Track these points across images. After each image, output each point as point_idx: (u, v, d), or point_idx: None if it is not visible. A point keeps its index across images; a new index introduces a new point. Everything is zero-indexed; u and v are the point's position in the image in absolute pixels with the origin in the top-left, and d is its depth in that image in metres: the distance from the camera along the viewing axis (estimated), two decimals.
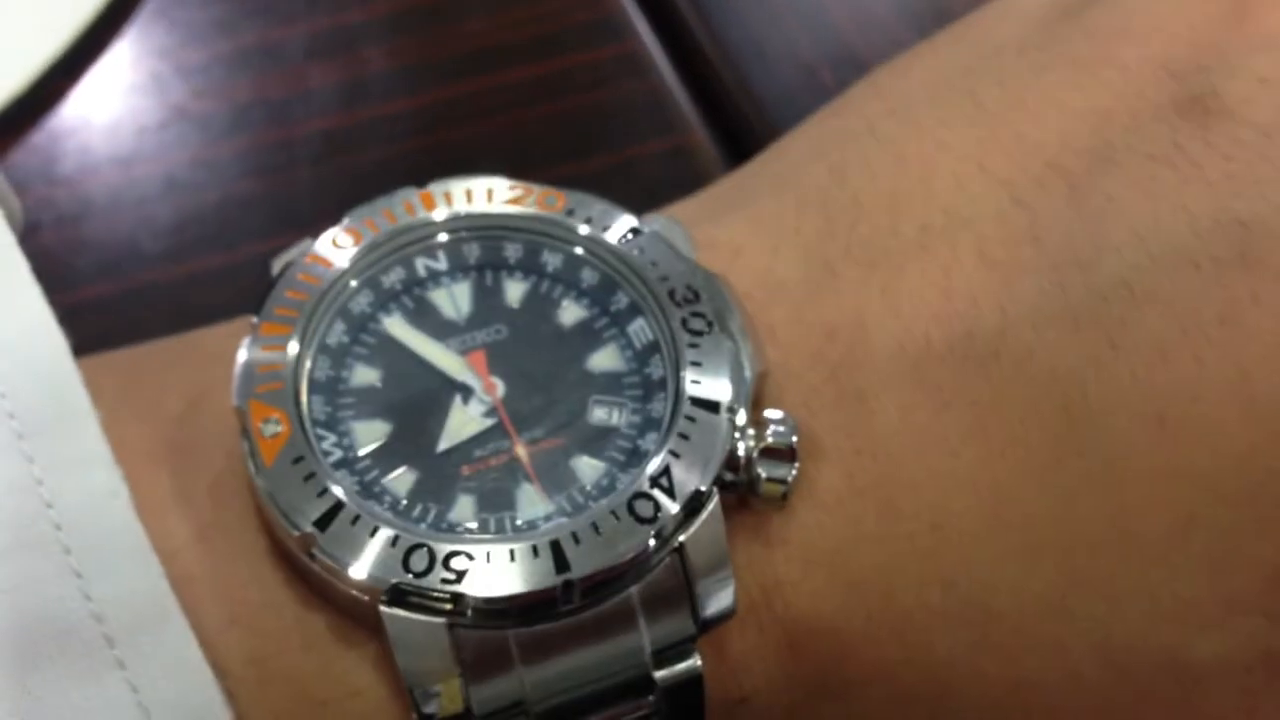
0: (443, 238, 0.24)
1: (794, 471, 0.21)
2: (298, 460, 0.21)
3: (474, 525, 0.21)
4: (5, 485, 0.20)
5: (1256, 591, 0.21)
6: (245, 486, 0.21)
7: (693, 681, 0.21)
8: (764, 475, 0.21)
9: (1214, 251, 0.21)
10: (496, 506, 0.21)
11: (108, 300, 0.33)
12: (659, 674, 0.21)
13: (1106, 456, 0.21)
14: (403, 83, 0.37)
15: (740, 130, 0.36)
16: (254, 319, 0.22)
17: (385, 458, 0.21)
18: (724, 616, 0.21)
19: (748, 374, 0.22)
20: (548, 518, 0.21)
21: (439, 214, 0.24)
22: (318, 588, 0.21)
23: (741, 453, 0.21)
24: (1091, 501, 0.21)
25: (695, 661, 0.21)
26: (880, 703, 0.23)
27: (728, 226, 0.24)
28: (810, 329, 0.23)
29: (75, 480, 0.20)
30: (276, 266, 0.23)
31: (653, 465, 0.21)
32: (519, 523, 0.21)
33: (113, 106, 0.37)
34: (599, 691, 0.21)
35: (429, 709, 0.20)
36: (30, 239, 0.23)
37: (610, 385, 0.22)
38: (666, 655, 0.21)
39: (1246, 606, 0.21)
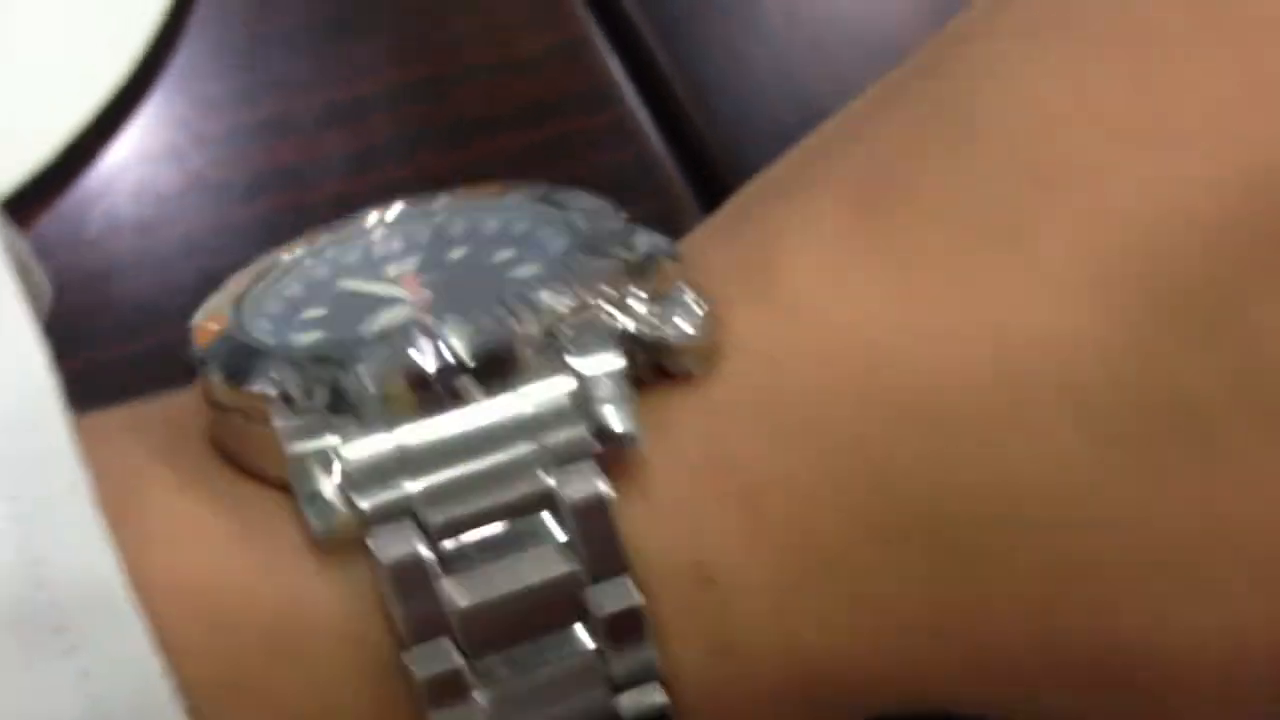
0: (398, 227, 0.24)
1: (702, 308, 0.21)
2: (228, 339, 0.21)
3: None
4: None
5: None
6: (207, 441, 0.21)
7: (597, 502, 0.19)
8: (671, 324, 0.20)
9: None
10: None
11: (133, 358, 0.35)
12: (563, 493, 0.19)
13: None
14: (408, 148, 0.39)
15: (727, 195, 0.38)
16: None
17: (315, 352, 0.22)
18: (625, 437, 0.20)
19: (642, 250, 0.22)
20: None
21: (393, 211, 0.25)
22: (243, 460, 0.21)
23: (644, 315, 0.21)
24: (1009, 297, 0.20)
25: (599, 484, 0.19)
26: (894, 578, 0.20)
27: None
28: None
29: (39, 476, 0.20)
30: None
31: (528, 271, 0.22)
32: None
33: (135, 175, 0.39)
34: (493, 503, 0.20)
35: (310, 493, 0.19)
36: (57, 301, 0.25)
37: (529, 282, 0.22)
38: (567, 472, 0.20)
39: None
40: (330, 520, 0.19)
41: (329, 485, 0.19)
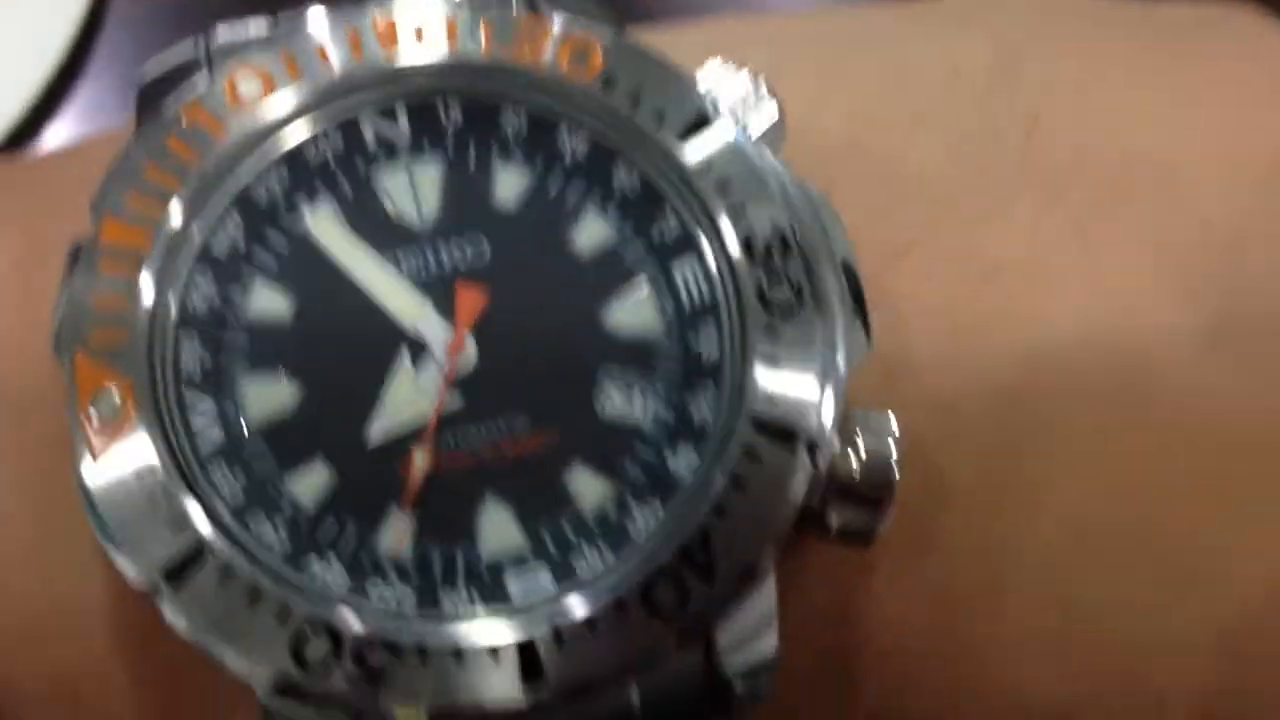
0: (407, 92, 0.15)
1: (883, 522, 0.15)
2: (143, 469, 0.14)
3: (408, 557, 0.14)
4: None
5: None
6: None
7: None
8: (837, 524, 0.15)
9: None
10: (446, 534, 0.15)
11: None
12: None
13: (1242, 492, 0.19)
14: None
15: None
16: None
17: (289, 441, 0.15)
18: (754, 699, 0.16)
19: (842, 369, 0.15)
20: (520, 561, 0.15)
21: (400, 57, 0.15)
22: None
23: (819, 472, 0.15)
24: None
25: None
26: None
27: (839, 82, 0.17)
28: (965, 263, 0.17)
29: None
30: (151, 71, 0.16)
31: (688, 528, 0.14)
32: (478, 560, 0.15)
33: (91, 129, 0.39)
34: None
35: None
36: None
37: (635, 355, 0.15)
38: None
39: None
40: None
41: None
